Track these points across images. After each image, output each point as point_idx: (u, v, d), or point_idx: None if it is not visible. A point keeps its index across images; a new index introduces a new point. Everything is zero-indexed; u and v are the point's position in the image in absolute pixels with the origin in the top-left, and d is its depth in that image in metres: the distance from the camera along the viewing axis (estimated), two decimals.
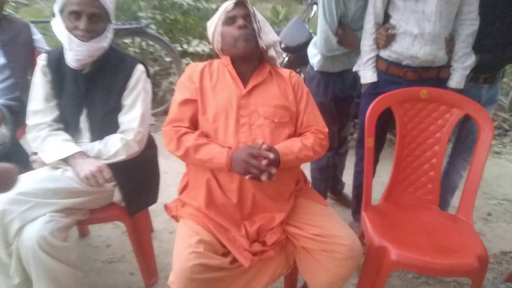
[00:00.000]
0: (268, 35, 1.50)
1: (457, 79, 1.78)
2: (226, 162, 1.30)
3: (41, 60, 1.54)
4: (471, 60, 1.77)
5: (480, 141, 1.64)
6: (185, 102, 1.42)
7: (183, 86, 1.46)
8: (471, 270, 1.36)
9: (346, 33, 1.93)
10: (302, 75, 3.12)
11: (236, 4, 1.43)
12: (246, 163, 1.27)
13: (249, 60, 1.47)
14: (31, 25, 2.29)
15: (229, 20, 1.43)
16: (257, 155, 1.28)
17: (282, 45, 2.68)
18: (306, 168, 1.98)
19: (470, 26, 1.73)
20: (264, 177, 1.26)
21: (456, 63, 1.77)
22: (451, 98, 1.71)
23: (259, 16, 1.49)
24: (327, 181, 2.36)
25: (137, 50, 3.78)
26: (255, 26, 1.44)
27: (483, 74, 1.88)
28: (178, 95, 1.45)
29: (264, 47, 1.48)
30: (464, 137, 2.04)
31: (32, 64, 1.54)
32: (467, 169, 1.86)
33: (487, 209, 2.63)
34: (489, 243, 2.28)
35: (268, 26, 1.52)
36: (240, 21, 1.41)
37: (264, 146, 1.30)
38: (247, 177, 1.29)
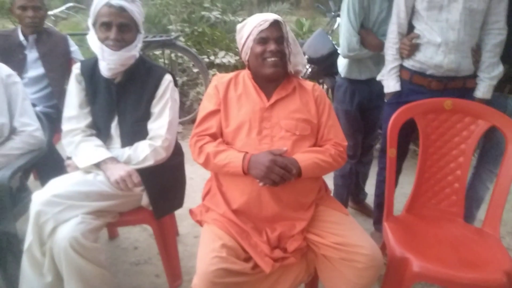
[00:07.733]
0: (297, 57, 1.53)
1: (483, 89, 1.75)
2: (243, 165, 1.33)
3: (76, 69, 1.62)
4: (499, 70, 1.74)
5: (508, 153, 1.60)
6: (210, 114, 1.47)
7: (209, 96, 1.51)
8: (498, 286, 1.31)
9: (367, 33, 1.95)
10: (325, 86, 3.13)
11: (271, 24, 1.42)
12: (268, 168, 1.29)
13: (273, 80, 1.50)
14: (68, 38, 2.44)
15: (261, 40, 1.43)
16: (281, 165, 1.30)
17: (306, 57, 2.71)
18: (329, 178, 1.99)
19: (497, 35, 1.71)
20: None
21: (482, 73, 1.75)
22: (476, 109, 1.68)
23: (291, 38, 1.48)
24: (349, 188, 2.36)
25: (166, 62, 3.91)
26: (286, 50, 1.45)
27: (510, 84, 1.83)
28: (204, 106, 1.50)
29: (292, 71, 1.51)
30: (490, 147, 1.98)
31: (68, 73, 1.64)
32: (493, 181, 1.81)
33: None
34: None
35: (298, 46, 1.53)
36: (272, 46, 1.41)
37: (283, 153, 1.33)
38: (260, 184, 1.32)
